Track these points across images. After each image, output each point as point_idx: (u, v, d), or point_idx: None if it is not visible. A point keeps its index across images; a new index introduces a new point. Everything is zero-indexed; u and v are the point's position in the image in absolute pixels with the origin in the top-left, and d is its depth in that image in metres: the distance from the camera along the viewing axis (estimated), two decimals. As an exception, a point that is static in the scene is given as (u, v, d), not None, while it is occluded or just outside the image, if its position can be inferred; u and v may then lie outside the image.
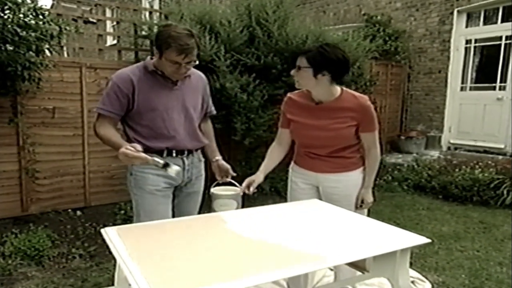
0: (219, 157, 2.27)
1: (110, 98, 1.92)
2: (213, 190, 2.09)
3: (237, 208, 2.04)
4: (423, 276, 2.80)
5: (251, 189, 1.99)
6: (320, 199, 2.12)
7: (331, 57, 1.90)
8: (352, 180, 2.08)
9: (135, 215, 2.10)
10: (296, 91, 2.12)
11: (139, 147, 1.72)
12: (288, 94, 2.16)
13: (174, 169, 1.77)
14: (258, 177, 2.05)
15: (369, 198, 2.09)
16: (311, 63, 1.90)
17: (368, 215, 2.10)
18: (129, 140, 1.99)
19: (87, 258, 3.04)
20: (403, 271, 1.56)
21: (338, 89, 2.01)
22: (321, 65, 1.90)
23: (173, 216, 2.13)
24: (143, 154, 1.71)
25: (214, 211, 2.03)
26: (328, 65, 1.90)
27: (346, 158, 2.06)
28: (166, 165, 1.76)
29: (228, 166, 2.25)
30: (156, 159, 1.77)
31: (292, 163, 2.25)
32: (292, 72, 1.99)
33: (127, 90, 1.91)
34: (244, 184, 2.02)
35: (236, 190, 2.09)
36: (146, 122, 1.97)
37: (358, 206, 2.09)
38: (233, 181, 2.18)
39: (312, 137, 2.05)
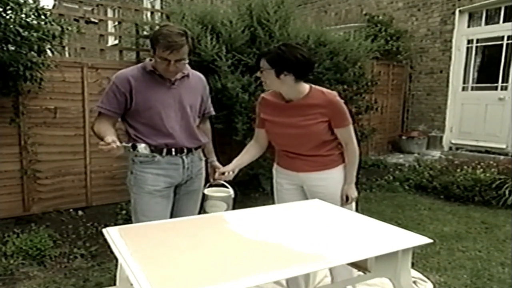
0: (214, 158, 2.33)
1: (109, 97, 2.00)
2: (205, 191, 2.17)
3: (227, 210, 2.08)
4: (425, 276, 2.79)
5: (216, 175, 2.13)
6: (306, 198, 2.13)
7: (289, 57, 1.91)
8: (334, 178, 2.09)
9: (132, 213, 2.14)
10: (269, 91, 2.13)
11: (109, 139, 1.79)
12: (262, 94, 2.18)
13: (142, 146, 1.93)
14: (226, 167, 2.13)
15: (353, 194, 2.10)
16: (271, 65, 1.92)
17: (357, 211, 2.11)
18: (130, 138, 2.05)
19: (88, 258, 3.04)
20: (405, 271, 1.55)
21: (306, 86, 2.02)
22: (280, 65, 1.91)
23: (173, 214, 2.16)
24: (114, 144, 1.79)
25: (205, 211, 2.12)
26: (287, 65, 1.91)
27: (324, 156, 2.07)
28: (134, 146, 1.92)
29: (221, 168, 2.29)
30: (124, 143, 1.90)
31: (275, 164, 2.27)
32: (258, 73, 2.01)
33: (125, 89, 1.98)
34: (216, 174, 2.14)
35: (228, 192, 2.14)
36: (145, 120, 2.02)
37: (344, 202, 2.09)
38: (225, 183, 2.22)
39: (285, 135, 2.08)
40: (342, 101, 2.01)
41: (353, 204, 2.16)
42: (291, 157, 2.12)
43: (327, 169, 2.08)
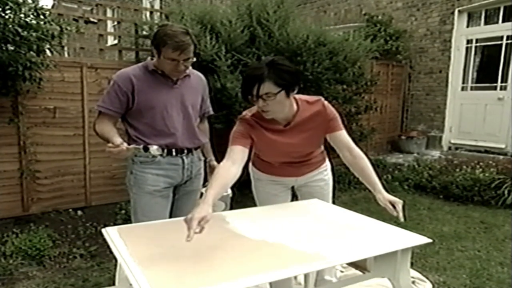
0: (212, 158, 2.32)
1: (110, 96, 1.98)
2: (203, 190, 2.17)
3: (225, 209, 2.09)
4: (424, 276, 2.79)
5: (202, 222, 1.35)
6: (295, 197, 2.18)
7: (293, 70, 1.75)
8: (328, 168, 2.17)
9: (132, 214, 2.14)
10: (252, 111, 1.87)
11: (118, 141, 1.78)
12: (247, 116, 1.86)
13: (154, 148, 1.91)
14: (210, 213, 1.42)
15: (391, 197, 1.82)
16: (281, 85, 1.69)
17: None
18: (130, 139, 2.04)
19: (88, 258, 3.04)
20: (404, 271, 1.56)
21: (292, 100, 1.82)
22: (291, 82, 1.72)
23: (172, 214, 2.16)
24: (124, 146, 1.78)
25: None
26: (296, 80, 1.75)
27: (320, 153, 2.12)
28: (146, 148, 1.90)
29: None
30: (135, 145, 1.88)
31: (258, 172, 2.12)
32: (260, 104, 1.72)
33: (127, 88, 1.96)
34: (194, 223, 1.33)
35: (225, 192, 2.15)
36: (146, 120, 2.01)
37: (392, 210, 1.76)
38: None
39: (288, 153, 1.97)
40: (329, 104, 1.89)
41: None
42: (294, 166, 2.04)
43: (321, 165, 2.13)
